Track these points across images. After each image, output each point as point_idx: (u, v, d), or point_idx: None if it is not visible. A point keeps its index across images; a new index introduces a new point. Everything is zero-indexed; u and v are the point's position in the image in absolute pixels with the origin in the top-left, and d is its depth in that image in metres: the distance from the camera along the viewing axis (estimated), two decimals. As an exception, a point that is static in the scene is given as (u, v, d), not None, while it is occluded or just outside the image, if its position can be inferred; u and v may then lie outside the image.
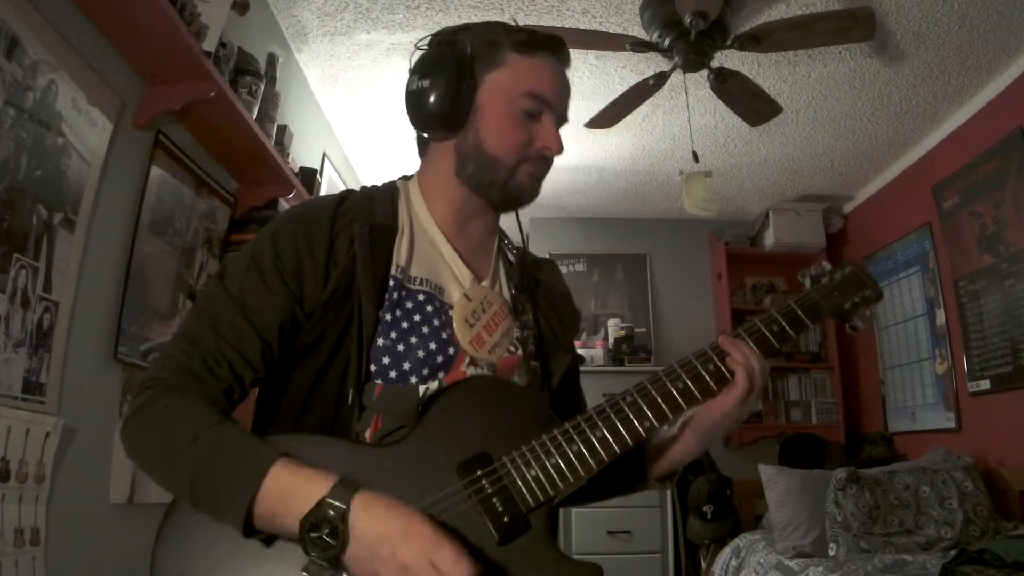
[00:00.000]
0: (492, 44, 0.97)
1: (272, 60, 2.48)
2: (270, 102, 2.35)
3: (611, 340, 4.30)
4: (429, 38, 1.01)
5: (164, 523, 0.80)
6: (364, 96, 3.23)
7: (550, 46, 0.99)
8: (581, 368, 1.19)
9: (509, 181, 0.97)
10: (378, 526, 0.73)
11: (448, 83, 0.94)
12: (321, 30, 2.77)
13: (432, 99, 0.95)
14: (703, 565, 3.61)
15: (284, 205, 2.40)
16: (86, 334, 1.64)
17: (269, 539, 0.77)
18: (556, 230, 4.73)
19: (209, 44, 1.80)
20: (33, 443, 1.43)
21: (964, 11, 2.59)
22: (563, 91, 1.01)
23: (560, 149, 0.98)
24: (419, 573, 0.71)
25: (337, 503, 0.73)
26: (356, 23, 2.72)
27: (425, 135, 1.02)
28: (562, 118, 1.01)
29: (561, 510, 3.64)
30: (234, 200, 2.35)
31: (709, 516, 3.54)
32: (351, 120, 3.46)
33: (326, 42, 2.85)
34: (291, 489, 0.75)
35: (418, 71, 0.98)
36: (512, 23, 1.01)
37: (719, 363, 0.91)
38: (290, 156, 2.58)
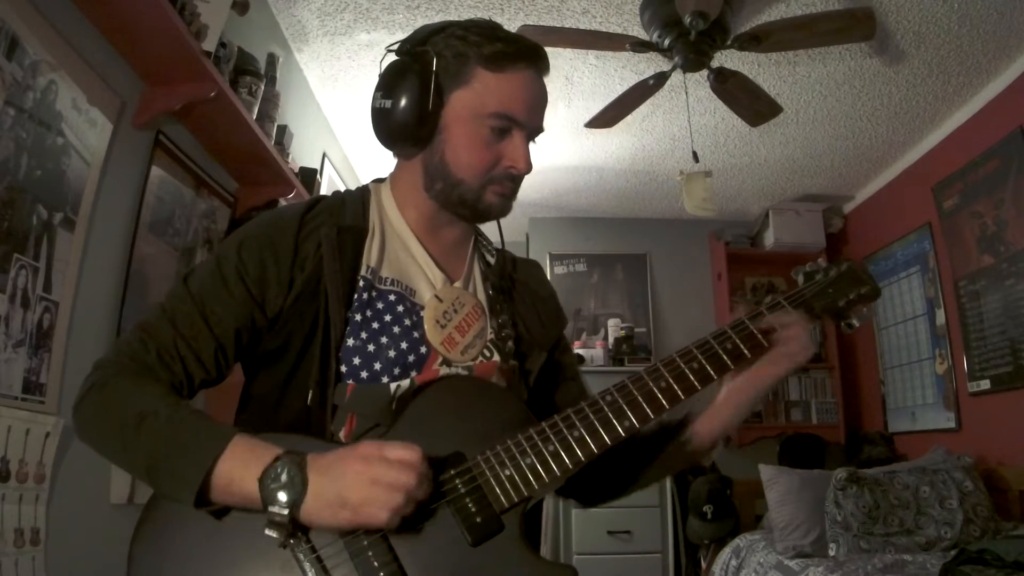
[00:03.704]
0: (459, 58, 0.93)
1: (272, 60, 2.48)
2: (270, 102, 2.35)
3: (611, 340, 4.30)
4: (399, 44, 0.98)
5: (141, 521, 0.79)
6: (364, 96, 3.23)
7: (524, 57, 0.94)
8: (581, 368, 1.18)
9: (478, 202, 0.96)
10: (327, 457, 0.76)
11: (410, 103, 0.92)
12: (321, 30, 2.77)
13: (395, 119, 0.93)
14: (703, 565, 3.61)
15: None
16: (86, 334, 1.64)
17: (242, 538, 0.77)
18: (556, 230, 4.73)
19: (209, 44, 1.80)
20: (33, 443, 1.43)
21: (964, 11, 2.58)
22: (537, 104, 0.96)
23: (528, 168, 0.95)
24: (372, 471, 0.74)
25: (293, 456, 0.75)
26: (356, 23, 2.72)
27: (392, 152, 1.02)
28: (535, 131, 0.97)
29: (561, 512, 3.63)
30: (234, 200, 2.35)
31: (709, 516, 3.54)
32: (351, 120, 3.46)
33: (326, 42, 2.84)
34: (248, 455, 0.76)
35: (381, 88, 0.96)
36: (488, 25, 0.96)
37: (703, 362, 0.91)
38: (290, 156, 2.58)
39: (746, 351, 0.93)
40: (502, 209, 0.98)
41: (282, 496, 0.73)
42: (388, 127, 0.95)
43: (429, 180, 0.97)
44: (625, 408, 0.87)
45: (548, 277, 1.20)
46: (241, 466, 0.75)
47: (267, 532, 0.74)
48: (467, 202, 0.96)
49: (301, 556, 0.76)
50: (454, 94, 0.93)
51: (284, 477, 0.73)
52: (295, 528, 0.74)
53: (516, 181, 0.97)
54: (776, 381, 0.96)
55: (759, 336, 0.94)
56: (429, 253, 1.00)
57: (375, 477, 0.73)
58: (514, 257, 1.13)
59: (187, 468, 0.75)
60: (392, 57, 0.98)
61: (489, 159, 0.94)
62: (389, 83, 0.95)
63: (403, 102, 0.92)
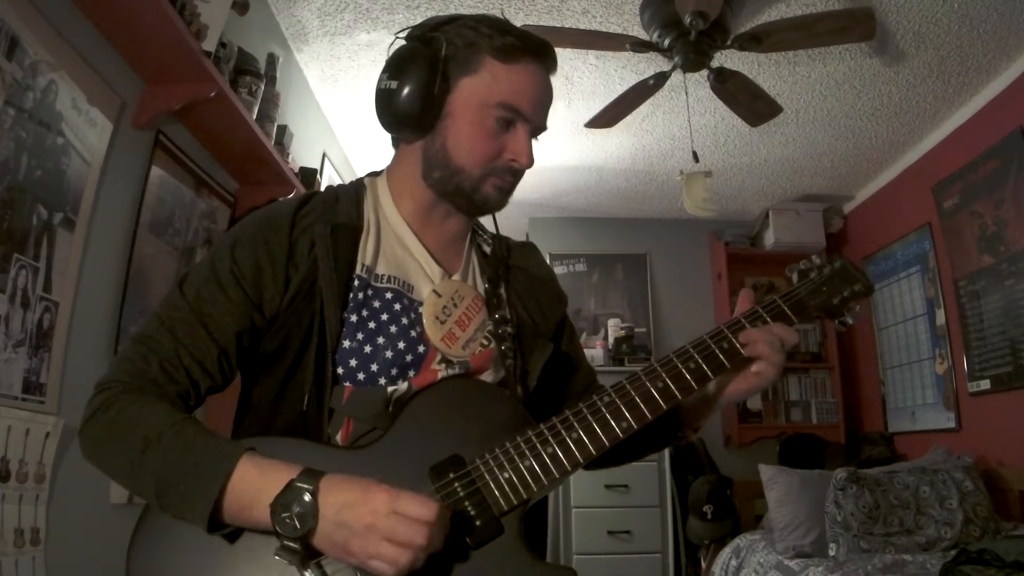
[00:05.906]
0: (470, 46, 0.92)
1: (272, 60, 2.48)
2: (270, 102, 2.35)
3: (611, 340, 4.30)
4: (409, 30, 0.97)
5: (139, 525, 0.79)
6: (364, 96, 3.23)
7: (534, 52, 0.93)
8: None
9: (475, 193, 0.95)
10: (340, 496, 0.73)
11: (417, 86, 0.91)
12: (321, 30, 2.77)
13: (400, 101, 0.92)
14: (703, 565, 3.61)
15: (284, 205, 2.40)
16: (86, 334, 1.64)
17: (237, 539, 0.76)
18: (556, 230, 4.73)
19: (209, 44, 1.80)
20: (33, 443, 1.43)
21: (964, 11, 2.58)
22: (543, 101, 0.96)
23: (530, 162, 0.94)
24: (383, 526, 0.71)
25: (305, 485, 0.73)
26: (356, 23, 2.72)
27: (393, 135, 1.00)
28: (539, 128, 0.97)
29: (561, 511, 3.64)
30: (234, 200, 2.35)
31: (709, 516, 3.54)
32: (351, 120, 3.46)
33: (326, 42, 2.85)
34: (259, 479, 0.74)
35: (389, 68, 0.94)
36: (500, 20, 0.95)
37: (700, 362, 0.91)
38: (290, 156, 2.58)
39: (743, 351, 0.93)
40: (498, 203, 0.97)
41: (295, 530, 0.72)
42: (392, 109, 0.94)
43: (428, 167, 0.96)
44: (623, 409, 0.86)
45: None
46: (253, 491, 0.74)
47: (277, 557, 0.73)
48: (464, 191, 0.95)
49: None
50: (462, 81, 0.92)
51: (296, 508, 0.72)
52: (307, 553, 0.74)
53: (516, 175, 0.96)
54: (764, 385, 0.96)
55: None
56: (425, 247, 0.98)
57: (385, 534, 0.71)
58: (511, 243, 1.12)
59: (196, 496, 0.74)
60: (396, 46, 0.97)
61: (491, 149, 0.93)
62: (397, 65, 0.93)
63: (409, 84, 0.91)
